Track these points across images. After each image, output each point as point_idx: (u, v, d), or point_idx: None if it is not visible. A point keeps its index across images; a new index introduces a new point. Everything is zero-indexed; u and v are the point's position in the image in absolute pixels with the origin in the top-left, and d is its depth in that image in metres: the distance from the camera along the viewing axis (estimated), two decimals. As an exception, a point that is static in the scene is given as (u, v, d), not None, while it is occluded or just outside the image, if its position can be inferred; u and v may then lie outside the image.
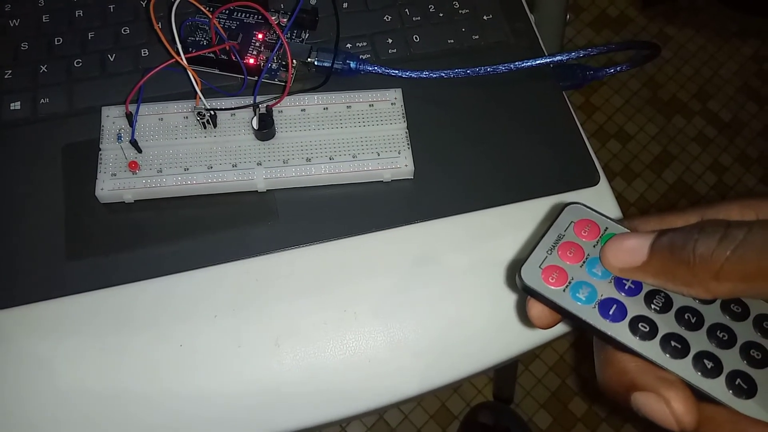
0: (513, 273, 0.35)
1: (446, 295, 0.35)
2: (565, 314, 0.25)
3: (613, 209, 0.37)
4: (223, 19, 0.41)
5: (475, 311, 0.35)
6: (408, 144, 0.37)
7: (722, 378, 0.22)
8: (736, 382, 0.22)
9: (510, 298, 0.35)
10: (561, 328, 0.35)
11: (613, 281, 0.25)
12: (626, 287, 0.25)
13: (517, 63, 0.39)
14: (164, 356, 0.33)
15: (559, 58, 0.39)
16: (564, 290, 0.25)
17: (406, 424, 0.96)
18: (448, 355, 0.34)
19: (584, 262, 0.26)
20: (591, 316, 0.24)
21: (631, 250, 0.24)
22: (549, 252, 0.26)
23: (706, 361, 0.23)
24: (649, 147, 1.19)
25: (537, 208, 0.37)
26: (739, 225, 0.22)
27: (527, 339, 0.35)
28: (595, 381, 0.25)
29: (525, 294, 0.26)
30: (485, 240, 0.36)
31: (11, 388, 0.33)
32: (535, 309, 0.26)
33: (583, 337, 0.99)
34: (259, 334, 0.34)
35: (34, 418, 0.32)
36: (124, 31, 0.41)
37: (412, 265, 0.36)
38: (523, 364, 1.00)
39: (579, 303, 0.25)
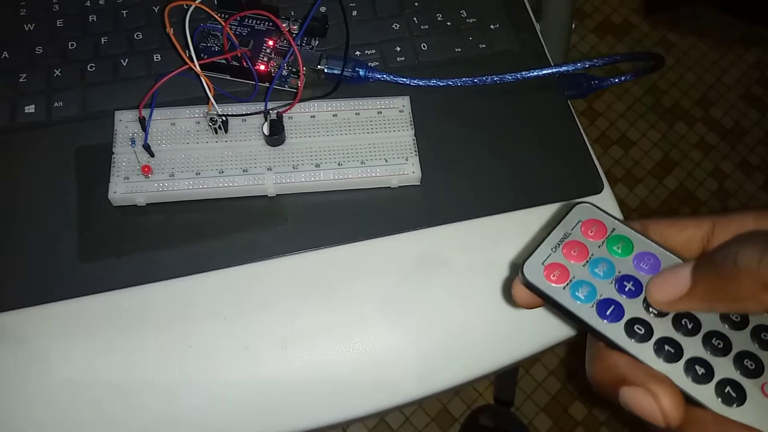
0: (516, 270, 0.36)
1: (451, 300, 0.36)
2: (562, 311, 0.25)
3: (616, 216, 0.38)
4: (234, 25, 0.41)
5: (480, 315, 0.36)
6: (415, 151, 0.38)
7: (712, 385, 0.23)
8: (726, 390, 0.22)
9: (514, 303, 0.36)
10: (563, 333, 0.36)
11: (614, 282, 0.25)
12: (627, 289, 0.25)
13: (523, 73, 0.39)
14: (173, 357, 0.34)
15: (565, 68, 0.40)
16: (564, 288, 0.26)
17: (407, 426, 0.97)
18: (453, 358, 0.35)
19: (587, 262, 0.26)
20: (588, 315, 0.25)
21: (674, 280, 0.24)
22: (553, 250, 0.26)
23: (697, 367, 0.23)
24: (651, 153, 1.20)
25: (541, 216, 0.38)
26: None
27: (533, 343, 0.36)
28: None
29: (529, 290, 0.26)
30: (490, 246, 0.37)
31: (24, 388, 0.33)
32: (520, 292, 0.27)
33: (583, 342, 1.00)
34: (267, 337, 0.35)
35: (45, 416, 0.33)
36: (137, 36, 0.42)
37: (418, 270, 0.36)
38: (523, 367, 1.01)
39: (578, 302, 0.25)
